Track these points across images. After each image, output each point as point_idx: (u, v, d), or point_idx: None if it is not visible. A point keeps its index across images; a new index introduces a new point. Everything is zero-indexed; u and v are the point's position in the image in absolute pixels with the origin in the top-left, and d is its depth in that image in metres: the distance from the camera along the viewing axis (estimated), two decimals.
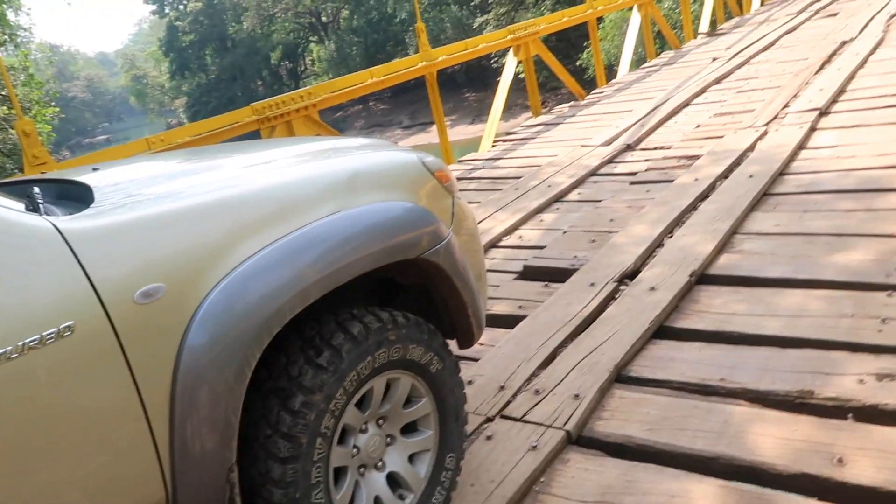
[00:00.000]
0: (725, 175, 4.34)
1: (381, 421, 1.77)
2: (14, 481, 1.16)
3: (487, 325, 2.27)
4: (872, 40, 7.44)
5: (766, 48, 8.97)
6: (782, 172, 4.22)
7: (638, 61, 12.01)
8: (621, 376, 2.53)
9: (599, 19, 15.37)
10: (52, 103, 19.57)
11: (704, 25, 12.47)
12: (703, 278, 3.12)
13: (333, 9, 42.45)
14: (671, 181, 4.47)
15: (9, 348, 1.13)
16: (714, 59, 9.00)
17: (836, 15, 10.46)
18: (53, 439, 1.20)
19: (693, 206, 3.93)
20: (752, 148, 4.76)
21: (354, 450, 1.68)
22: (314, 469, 1.52)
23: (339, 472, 1.66)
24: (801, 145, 4.62)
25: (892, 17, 8.79)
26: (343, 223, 1.62)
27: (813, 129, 4.91)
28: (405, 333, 1.71)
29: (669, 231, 3.67)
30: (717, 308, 2.84)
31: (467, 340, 2.06)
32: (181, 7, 47.93)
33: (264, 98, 5.60)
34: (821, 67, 6.77)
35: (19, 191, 1.70)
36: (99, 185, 1.65)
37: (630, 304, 2.94)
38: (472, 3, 34.32)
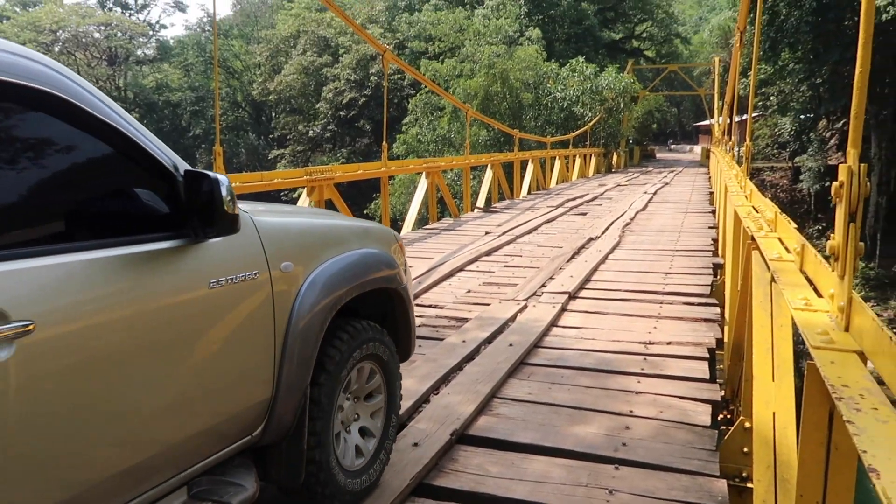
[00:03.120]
0: (489, 340, 4.71)
1: (351, 393, 2.64)
2: (212, 364, 1.94)
3: None
4: (612, 241, 8.85)
5: (530, 231, 10.22)
6: (537, 345, 4.69)
7: (421, 221, 12.95)
8: None
9: (391, 177, 16.45)
10: None
11: (481, 201, 13.95)
12: (462, 438, 3.27)
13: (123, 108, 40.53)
14: (442, 339, 4.74)
15: (233, 276, 1.97)
16: (487, 233, 10.02)
17: (585, 214, 12.35)
18: (232, 340, 2.01)
19: (459, 367, 4.17)
20: (513, 319, 5.26)
21: (341, 410, 2.54)
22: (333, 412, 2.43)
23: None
24: (554, 322, 5.22)
25: (626, 226, 10.59)
26: (363, 257, 2.63)
27: (564, 309, 5.60)
28: (374, 336, 2.63)
29: (436, 388, 3.83)
30: (473, 469, 2.97)
31: (407, 353, 3.04)
32: None
33: None
34: (572, 256, 7.85)
35: None
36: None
37: (394, 459, 2.96)
38: (270, 136, 35.00)
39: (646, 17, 47.51)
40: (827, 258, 2.02)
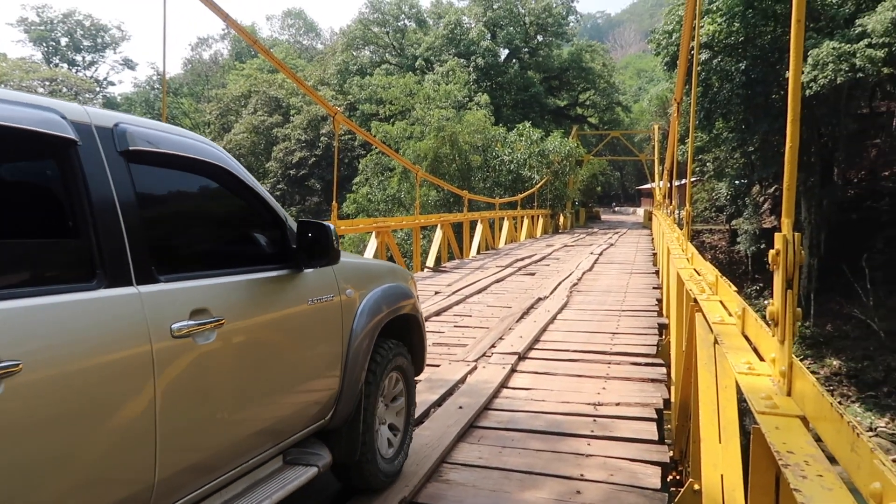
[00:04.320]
0: (439, 403, 4.65)
1: (384, 397, 3.34)
2: (307, 360, 2.71)
3: None
4: (560, 302, 8.95)
5: (479, 291, 10.26)
6: (487, 407, 4.64)
7: None
8: None
9: (340, 236, 16.38)
10: None
11: (431, 261, 13.98)
12: None
13: None
14: None
15: (321, 297, 2.73)
16: (436, 293, 10.00)
17: (534, 274, 12.49)
18: (318, 343, 2.77)
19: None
20: (463, 380, 5.22)
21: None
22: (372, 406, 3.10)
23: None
24: (504, 384, 5.19)
25: (573, 286, 10.75)
26: (394, 288, 3.38)
27: (514, 370, 5.58)
28: (400, 351, 3.39)
29: None
30: None
31: (420, 367, 3.78)
32: None
33: None
34: (521, 317, 7.89)
35: None
36: None
37: None
38: None
39: (588, 86, 49.61)
40: (766, 322, 2.08)
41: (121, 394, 1.79)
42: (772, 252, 1.76)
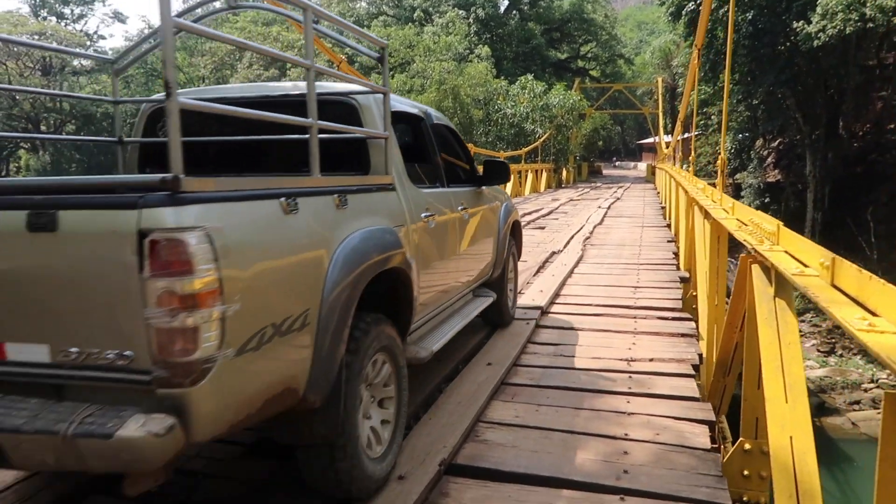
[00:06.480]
0: (466, 360, 4.46)
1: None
2: (484, 239, 4.66)
3: None
4: (575, 255, 8.74)
5: None
6: (515, 363, 4.47)
7: None
8: None
9: None
10: None
11: None
12: (451, 468, 3.00)
13: (57, 120, 38.87)
14: None
15: (490, 202, 4.80)
16: None
17: (544, 228, 12.25)
18: (488, 232, 4.74)
19: (438, 389, 3.91)
20: (487, 336, 5.02)
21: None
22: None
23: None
24: (529, 339, 5.01)
25: (586, 239, 10.54)
26: (512, 203, 5.56)
27: (538, 325, 5.40)
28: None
29: (415, 414, 3.55)
30: None
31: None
32: None
33: None
34: (538, 270, 7.69)
35: None
36: None
37: (380, 498, 2.67)
38: None
39: (590, 38, 48.54)
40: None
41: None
42: None
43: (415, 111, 3.80)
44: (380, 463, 2.70)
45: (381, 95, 3.06)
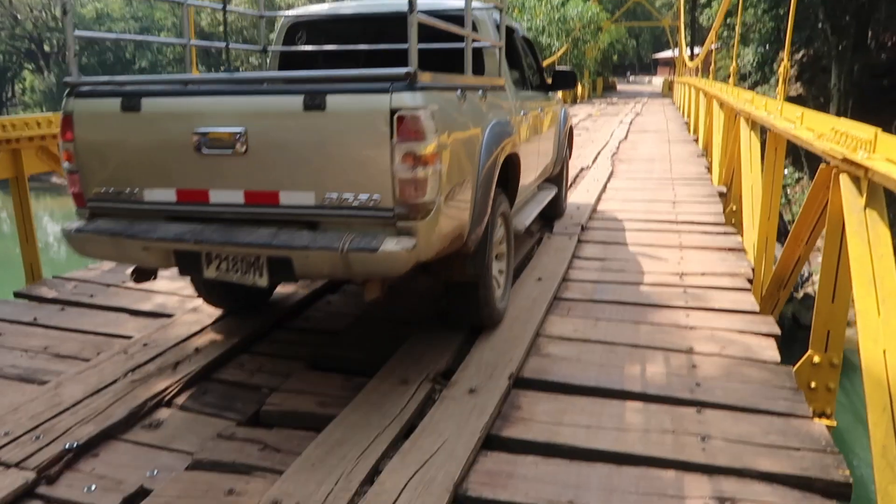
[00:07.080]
0: (514, 275, 4.36)
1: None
2: (554, 135, 5.47)
3: (286, 426, 2.66)
4: (605, 171, 8.54)
5: None
6: (564, 278, 4.38)
7: None
8: (459, 496, 2.18)
9: None
10: None
11: None
12: (518, 382, 2.95)
13: (60, 39, 37.72)
14: None
15: (557, 103, 5.66)
16: None
17: None
18: (555, 129, 5.45)
19: None
20: (530, 252, 4.92)
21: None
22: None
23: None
24: (574, 254, 4.91)
25: (613, 154, 10.28)
26: (566, 109, 6.08)
27: (579, 240, 5.28)
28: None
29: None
30: (542, 417, 2.66)
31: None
32: None
33: None
34: (570, 185, 7.50)
35: None
36: None
37: (452, 409, 2.64)
38: (222, 69, 33.24)
39: None
40: None
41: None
42: None
43: (509, 24, 4.28)
44: (501, 301, 3.46)
45: (495, 11, 3.83)
